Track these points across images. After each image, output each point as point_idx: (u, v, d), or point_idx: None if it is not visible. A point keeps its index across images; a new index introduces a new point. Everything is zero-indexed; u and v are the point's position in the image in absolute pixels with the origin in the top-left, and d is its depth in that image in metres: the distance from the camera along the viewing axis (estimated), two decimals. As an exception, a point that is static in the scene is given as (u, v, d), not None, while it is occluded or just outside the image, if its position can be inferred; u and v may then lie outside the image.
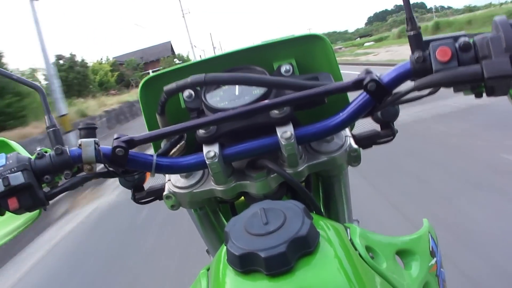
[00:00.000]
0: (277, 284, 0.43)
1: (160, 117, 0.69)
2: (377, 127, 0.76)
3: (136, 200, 0.79)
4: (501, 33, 0.48)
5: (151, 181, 0.80)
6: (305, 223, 0.46)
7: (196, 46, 35.11)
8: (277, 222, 0.47)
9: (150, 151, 0.76)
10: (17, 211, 0.62)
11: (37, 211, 0.67)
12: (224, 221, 0.86)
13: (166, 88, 0.64)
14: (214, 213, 0.80)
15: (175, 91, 0.63)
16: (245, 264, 0.45)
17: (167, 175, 0.72)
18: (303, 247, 0.45)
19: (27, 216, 0.68)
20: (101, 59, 34.63)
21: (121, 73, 32.65)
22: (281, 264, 0.43)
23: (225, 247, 0.48)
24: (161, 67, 29.83)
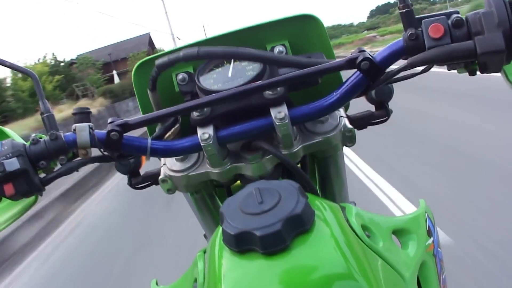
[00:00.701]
0: (273, 262, 0.43)
1: (151, 94, 0.68)
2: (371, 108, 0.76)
3: (132, 185, 0.79)
4: (494, 8, 0.48)
5: (147, 167, 0.80)
6: (300, 202, 0.46)
7: (179, 39, 30.95)
8: (272, 201, 0.47)
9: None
10: (13, 197, 0.62)
11: (34, 196, 0.67)
12: (221, 204, 0.86)
13: (158, 62, 0.62)
14: (210, 197, 0.80)
15: (167, 64, 0.62)
16: (241, 243, 0.45)
17: (162, 159, 0.72)
18: (299, 225, 0.45)
19: (23, 202, 0.68)
20: (44, 57, 25.73)
21: (69, 76, 23.36)
22: (276, 242, 0.43)
23: (221, 228, 0.48)
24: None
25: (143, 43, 36.42)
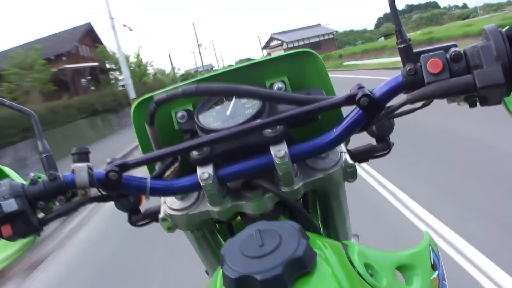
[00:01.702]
0: None
1: (150, 129, 0.67)
2: (372, 140, 0.76)
3: (132, 222, 0.79)
4: (491, 41, 0.48)
5: (148, 203, 0.80)
6: (301, 244, 0.45)
7: (131, 30, 22.38)
8: (272, 244, 0.46)
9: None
10: (11, 238, 0.61)
11: (32, 237, 0.66)
12: (222, 241, 0.85)
13: (156, 97, 0.62)
14: (211, 234, 0.79)
15: (165, 100, 0.61)
16: (241, 287, 0.44)
17: (162, 198, 0.71)
18: (300, 268, 0.44)
19: (21, 242, 0.68)
20: None
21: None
22: (277, 286, 0.42)
23: (221, 270, 0.47)
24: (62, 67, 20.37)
25: (73, 37, 25.66)
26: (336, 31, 65.79)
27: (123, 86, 23.55)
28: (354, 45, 51.44)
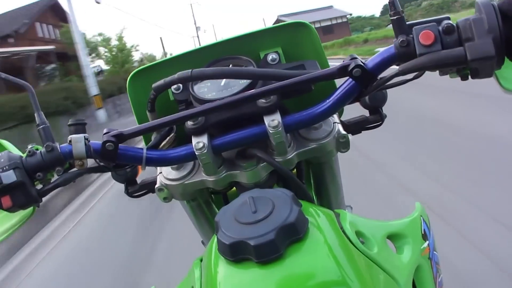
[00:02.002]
0: (268, 271, 0.44)
1: (150, 114, 0.70)
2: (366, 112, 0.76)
3: (129, 193, 0.80)
4: (484, 14, 0.48)
5: (144, 175, 0.81)
6: (293, 210, 0.47)
7: (99, 2, 16.45)
8: (265, 210, 0.47)
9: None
10: (10, 209, 0.62)
11: (31, 208, 0.67)
12: (217, 211, 0.86)
13: (155, 85, 0.64)
14: (206, 204, 0.81)
15: (163, 87, 0.64)
16: (235, 252, 0.45)
17: (158, 168, 0.72)
18: (292, 234, 0.45)
19: (21, 214, 0.69)
20: None
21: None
22: (270, 251, 0.44)
23: (216, 237, 0.49)
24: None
25: (38, 11, 21.00)
26: (351, 14, 58.68)
27: (98, 73, 20.42)
28: (361, 32, 47.68)
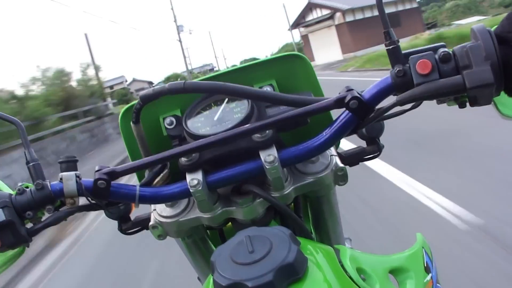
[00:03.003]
0: None
1: (135, 126, 0.66)
2: (362, 143, 0.76)
3: (122, 231, 0.78)
4: (480, 41, 0.48)
5: (138, 211, 0.79)
6: (291, 249, 0.45)
7: None
8: (263, 250, 0.46)
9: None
10: None
11: (21, 248, 0.65)
12: (213, 247, 0.84)
13: (142, 94, 0.61)
14: (202, 241, 0.79)
15: (152, 97, 0.61)
16: None
17: (152, 205, 0.71)
18: (291, 274, 0.44)
19: (10, 253, 0.67)
20: None
21: None
22: None
23: (212, 277, 0.47)
24: None
25: None
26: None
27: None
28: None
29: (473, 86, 0.47)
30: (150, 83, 63.40)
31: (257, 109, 0.68)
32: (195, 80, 0.60)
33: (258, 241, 0.48)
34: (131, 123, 0.66)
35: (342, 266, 0.53)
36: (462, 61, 0.49)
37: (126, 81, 62.42)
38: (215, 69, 71.37)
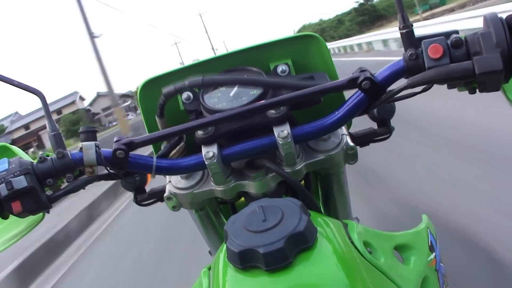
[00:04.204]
0: (276, 279, 0.44)
1: (159, 120, 0.70)
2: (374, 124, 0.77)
3: (138, 202, 0.80)
4: (492, 29, 0.49)
5: (152, 183, 0.81)
6: (302, 219, 0.47)
7: None
8: (275, 219, 0.48)
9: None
10: (20, 215, 0.62)
11: (40, 214, 0.67)
12: (225, 221, 0.86)
13: (165, 90, 0.64)
14: (215, 214, 0.81)
15: (173, 93, 0.64)
16: (244, 260, 0.45)
17: (167, 177, 0.73)
18: (301, 242, 0.46)
19: (30, 219, 0.69)
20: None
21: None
22: (279, 259, 0.44)
23: (225, 245, 0.49)
24: None
25: None
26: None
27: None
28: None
29: (482, 72, 0.48)
30: (127, 96, 53.16)
31: None
32: (212, 76, 0.62)
33: (270, 211, 0.49)
34: (156, 116, 0.69)
35: (350, 239, 0.54)
36: (473, 47, 0.50)
37: (83, 98, 51.51)
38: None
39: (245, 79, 0.62)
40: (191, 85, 0.62)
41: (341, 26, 58.46)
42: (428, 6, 39.16)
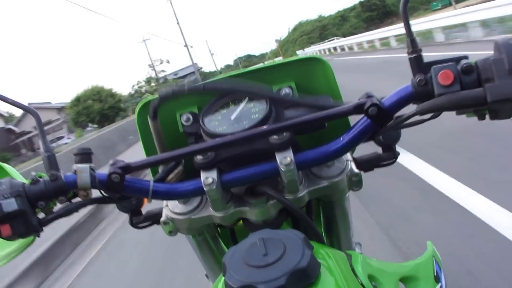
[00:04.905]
0: None
1: (152, 122, 0.67)
2: (378, 149, 0.75)
3: (133, 224, 0.78)
4: (504, 55, 0.47)
5: (149, 205, 0.79)
6: (305, 254, 0.45)
7: None
8: (276, 253, 0.45)
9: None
10: (9, 238, 0.61)
11: (31, 237, 0.65)
12: (223, 246, 0.84)
13: (162, 92, 0.62)
14: (213, 239, 0.79)
15: (170, 96, 0.61)
16: None
17: (164, 201, 0.70)
18: (304, 279, 0.43)
19: (21, 241, 0.67)
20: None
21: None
22: None
23: (223, 278, 0.46)
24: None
25: None
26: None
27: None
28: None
29: (494, 99, 0.46)
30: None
31: (275, 110, 0.67)
32: (214, 82, 0.60)
33: (271, 244, 0.47)
34: (149, 118, 0.67)
35: (354, 272, 0.52)
36: (485, 73, 0.48)
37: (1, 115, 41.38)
38: (201, 70, 62.68)
39: (247, 87, 0.60)
40: (190, 89, 0.60)
41: (345, 23, 55.19)
42: (448, 1, 36.53)
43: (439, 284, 0.64)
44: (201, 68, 69.49)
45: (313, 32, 57.40)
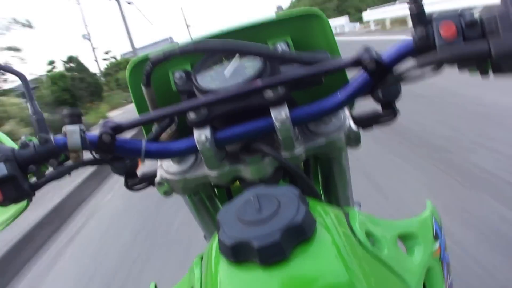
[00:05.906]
0: (272, 273, 0.41)
1: (146, 90, 0.65)
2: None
3: (128, 186, 0.77)
4: (510, 8, 0.45)
5: (145, 166, 0.78)
6: (300, 210, 0.44)
7: None
8: (270, 209, 0.44)
9: None
10: (1, 204, 0.60)
11: (24, 202, 0.65)
12: (220, 206, 0.84)
13: (153, 57, 0.60)
14: (209, 198, 0.78)
15: (162, 59, 0.59)
16: (237, 254, 0.42)
17: (159, 161, 0.69)
18: (299, 235, 0.42)
19: (14, 207, 0.66)
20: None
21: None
22: (275, 254, 0.41)
23: (217, 236, 0.46)
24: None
25: None
26: None
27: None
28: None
29: (498, 53, 0.45)
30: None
31: (270, 65, 0.65)
32: (207, 41, 0.58)
33: (265, 200, 0.46)
34: (142, 85, 0.65)
35: (351, 229, 0.52)
36: (489, 26, 0.46)
37: None
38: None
39: (242, 46, 0.57)
40: (182, 50, 0.58)
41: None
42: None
43: (438, 242, 0.64)
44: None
45: (328, 1, 37.12)
